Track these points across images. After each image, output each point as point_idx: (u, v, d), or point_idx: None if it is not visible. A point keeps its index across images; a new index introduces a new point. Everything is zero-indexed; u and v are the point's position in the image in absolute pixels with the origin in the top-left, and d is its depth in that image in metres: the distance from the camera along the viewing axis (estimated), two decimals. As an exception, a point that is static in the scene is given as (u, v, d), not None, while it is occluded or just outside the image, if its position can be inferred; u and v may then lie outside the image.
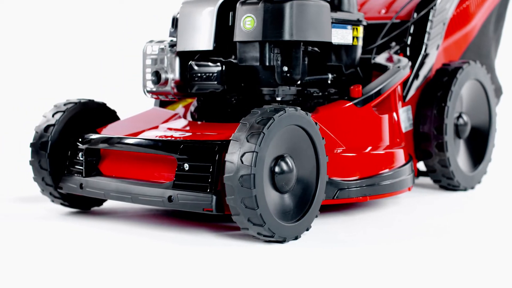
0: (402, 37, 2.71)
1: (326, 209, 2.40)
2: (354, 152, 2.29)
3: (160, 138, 2.17)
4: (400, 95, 2.59)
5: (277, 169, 1.99)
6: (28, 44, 4.25)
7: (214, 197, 1.99)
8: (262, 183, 1.93)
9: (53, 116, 2.32)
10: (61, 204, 2.38)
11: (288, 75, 2.24)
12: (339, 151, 2.25)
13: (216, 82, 2.26)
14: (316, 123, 2.08)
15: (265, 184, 1.94)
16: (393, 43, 2.71)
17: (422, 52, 2.64)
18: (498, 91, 3.11)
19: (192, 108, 2.47)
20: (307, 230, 2.08)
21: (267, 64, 2.21)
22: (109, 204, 2.51)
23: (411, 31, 2.67)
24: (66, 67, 4.10)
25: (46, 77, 4.15)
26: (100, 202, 2.43)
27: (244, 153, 1.91)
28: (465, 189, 2.78)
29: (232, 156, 1.92)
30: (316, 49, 2.34)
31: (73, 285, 1.66)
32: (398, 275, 1.75)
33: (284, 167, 2.01)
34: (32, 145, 2.32)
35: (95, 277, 1.72)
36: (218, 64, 2.26)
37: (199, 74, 2.30)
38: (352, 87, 2.36)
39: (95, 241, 2.06)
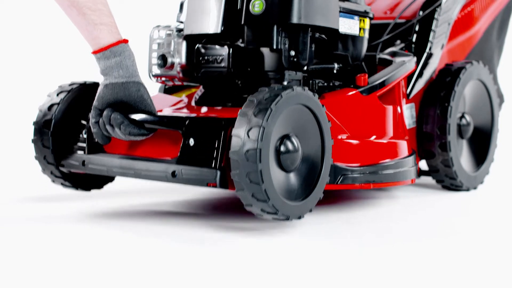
0: (407, 35, 2.72)
1: (327, 210, 2.39)
2: (358, 139, 2.28)
3: (166, 115, 2.16)
4: (404, 92, 2.60)
5: (282, 148, 1.99)
6: (31, 30, 4.26)
7: (219, 172, 1.98)
8: (267, 159, 1.92)
9: (57, 95, 2.32)
10: (62, 184, 2.36)
11: (295, 59, 2.25)
12: (343, 137, 2.25)
13: (223, 65, 2.27)
14: (323, 106, 2.08)
15: (270, 161, 1.94)
16: (398, 41, 2.73)
17: (427, 50, 2.65)
18: (500, 99, 3.12)
19: (196, 96, 2.47)
20: (311, 211, 2.06)
21: (275, 47, 2.22)
22: (110, 204, 2.48)
23: (416, 29, 2.69)
24: (70, 51, 4.10)
25: (50, 63, 4.14)
26: (102, 182, 2.41)
27: (251, 128, 1.90)
28: (467, 189, 2.78)
29: (239, 131, 1.91)
30: (323, 36, 2.35)
31: (72, 284, 1.63)
32: (399, 275, 1.73)
33: (290, 146, 2.00)
34: (35, 123, 2.31)
35: (93, 275, 1.69)
36: (226, 47, 2.27)
37: (206, 57, 2.30)
38: (358, 76, 2.37)
39: (94, 239, 2.03)
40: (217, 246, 1.96)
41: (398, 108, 2.52)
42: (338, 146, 2.20)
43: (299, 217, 2.03)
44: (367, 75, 2.37)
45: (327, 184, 2.14)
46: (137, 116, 2.12)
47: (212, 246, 1.96)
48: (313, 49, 2.30)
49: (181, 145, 2.05)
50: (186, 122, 2.06)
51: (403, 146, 2.44)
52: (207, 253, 1.90)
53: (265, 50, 2.28)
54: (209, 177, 1.99)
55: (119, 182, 2.76)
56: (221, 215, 2.31)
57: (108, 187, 2.53)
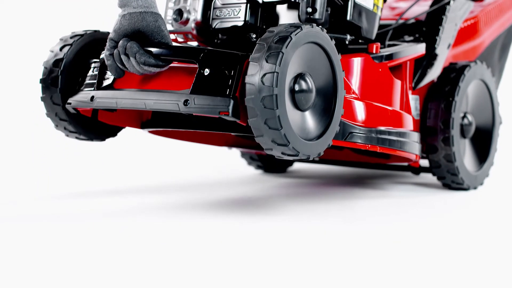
0: (415, 32, 2.77)
1: (326, 208, 2.37)
2: (367, 101, 2.29)
3: (181, 45, 2.16)
4: (410, 83, 2.62)
5: (297, 87, 1.99)
6: (30, 30, 4.28)
7: (232, 101, 1.96)
8: (284, 103, 1.92)
9: (60, 50, 2.31)
10: (76, 138, 2.34)
11: (311, 16, 2.27)
12: (352, 96, 2.25)
13: (240, 18, 2.29)
14: (331, 38, 2.08)
15: (287, 104, 1.94)
16: (406, 36, 2.77)
17: (436, 44, 2.68)
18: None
19: None
20: (329, 146, 2.07)
21: (293, 0, 2.25)
22: (109, 204, 2.44)
23: (425, 25, 2.73)
24: (80, 8, 4.11)
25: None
26: (115, 130, 2.38)
27: (265, 74, 1.91)
28: (468, 188, 2.77)
29: (253, 78, 1.91)
30: (340, 1, 2.38)
31: (72, 284, 1.61)
32: (401, 275, 1.70)
33: (304, 85, 2.01)
34: (42, 80, 2.29)
35: (92, 275, 1.66)
36: (243, 1, 2.29)
37: (222, 10, 2.33)
38: (370, 44, 2.40)
39: (95, 240, 1.98)
40: (218, 246, 1.93)
41: (405, 85, 2.53)
42: (347, 105, 2.20)
43: (319, 154, 2.02)
44: (379, 44, 2.40)
45: (335, 140, 2.13)
46: (153, 48, 2.11)
47: (212, 246, 1.93)
48: (329, 12, 2.33)
49: (195, 75, 2.04)
50: (202, 54, 2.06)
51: (409, 120, 2.45)
52: (207, 253, 1.86)
53: (281, 9, 2.31)
54: (221, 106, 1.97)
55: (120, 180, 2.76)
56: (222, 215, 2.28)
57: (110, 185, 2.49)
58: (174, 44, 2.19)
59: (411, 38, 2.76)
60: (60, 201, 2.48)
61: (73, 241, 1.96)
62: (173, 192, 2.66)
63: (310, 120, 2.04)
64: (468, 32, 2.97)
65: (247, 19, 2.29)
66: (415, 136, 2.45)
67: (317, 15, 2.27)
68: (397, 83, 2.47)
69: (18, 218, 2.21)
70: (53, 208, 2.37)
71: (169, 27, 2.40)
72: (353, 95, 2.27)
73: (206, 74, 2.03)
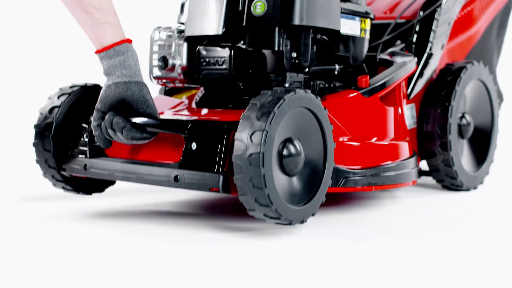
0: (407, 35, 2.72)
1: (328, 211, 2.39)
2: (360, 141, 2.28)
3: (167, 118, 2.15)
4: (405, 93, 2.59)
5: (285, 151, 1.98)
6: (30, 32, 4.24)
7: (221, 177, 1.97)
8: (270, 163, 1.91)
9: (58, 98, 2.31)
10: (63, 188, 2.35)
11: (296, 61, 2.24)
12: (345, 139, 2.25)
13: (224, 67, 2.26)
14: (325, 108, 2.07)
15: (273, 165, 1.93)
16: (398, 41, 2.72)
17: (427, 50, 2.65)
18: (500, 98, 3.12)
19: (197, 98, 2.46)
20: (313, 215, 2.06)
21: (276, 49, 2.21)
22: (112, 204, 2.47)
23: (417, 29, 2.68)
24: (70, 52, 4.09)
25: (49, 63, 4.12)
26: (103, 186, 2.40)
27: (254, 132, 1.89)
28: (468, 189, 2.78)
29: (242, 135, 1.90)
30: (325, 37, 2.34)
31: (73, 285, 1.63)
32: (402, 276, 1.73)
33: (293, 149, 1.99)
34: (36, 126, 2.30)
35: (92, 276, 1.69)
36: (227, 49, 2.26)
37: (207, 59, 2.29)
38: (359, 77, 2.36)
39: (95, 240, 2.02)
40: (217, 247, 1.95)
41: (399, 109, 2.52)
42: (340, 149, 2.20)
43: (302, 222, 2.02)
44: (368, 77, 2.37)
45: (329, 187, 2.14)
46: (139, 120, 2.11)
47: (212, 247, 1.95)
48: (314, 50, 2.29)
49: (183, 149, 2.04)
50: (189, 126, 2.05)
51: (404, 148, 2.43)
52: (206, 254, 1.89)
53: (266, 52, 2.27)
54: (211, 182, 1.98)
55: (119, 181, 2.74)
56: (222, 216, 2.30)
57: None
58: (160, 117, 2.17)
59: (403, 45, 2.70)
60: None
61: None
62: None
63: (296, 186, 2.02)
64: (463, 23, 2.90)
65: (232, 69, 2.26)
66: (412, 163, 2.44)
67: (302, 60, 2.24)
68: (390, 112, 2.45)
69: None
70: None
71: (156, 73, 2.38)
72: (345, 137, 2.26)
73: (194, 148, 2.03)
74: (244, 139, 1.89)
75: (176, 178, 2.02)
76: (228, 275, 1.73)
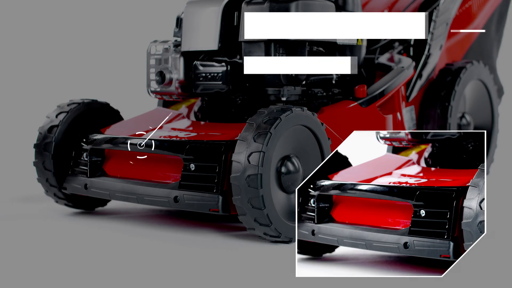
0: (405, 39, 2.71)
1: None
2: None
3: (166, 139, 2.16)
4: (404, 95, 2.59)
5: (283, 169, 1.99)
6: (30, 44, 4.23)
7: (220, 198, 1.98)
8: (269, 183, 1.92)
9: (56, 116, 2.31)
10: (65, 204, 2.37)
11: (293, 75, 2.24)
12: None
13: (221, 82, 2.25)
14: (322, 124, 2.08)
15: (271, 184, 1.94)
16: (396, 43, 2.71)
17: (425, 52, 2.64)
18: (500, 91, 3.11)
19: (195, 108, 2.47)
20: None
21: None
22: (113, 204, 2.50)
23: None
24: (69, 67, 4.09)
25: (48, 77, 4.13)
26: (104, 202, 2.42)
27: (251, 153, 1.90)
28: (468, 189, 2.78)
29: (239, 156, 1.92)
30: (321, 49, 2.33)
31: (75, 286, 1.65)
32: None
33: (291, 167, 2.00)
34: (36, 146, 2.31)
35: (98, 278, 1.71)
36: (223, 64, 2.25)
37: (204, 74, 2.29)
38: (357, 87, 2.36)
39: (99, 242, 2.05)
40: (218, 248, 1.97)
41: (398, 115, 2.51)
42: None
43: None
44: (365, 86, 2.36)
45: None
46: (136, 141, 2.11)
47: (212, 248, 1.97)
48: None
49: (182, 170, 2.05)
50: (187, 147, 2.06)
51: None
52: (206, 256, 1.91)
53: None
54: (211, 203, 1.99)
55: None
56: (226, 220, 2.31)
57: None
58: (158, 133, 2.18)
59: (401, 47, 2.69)
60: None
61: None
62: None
63: (294, 203, 2.02)
64: (461, 21, 2.88)
65: (229, 85, 2.26)
66: None
67: (299, 75, 2.23)
68: (388, 119, 2.45)
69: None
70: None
71: (153, 87, 2.38)
72: None
73: (192, 169, 2.04)
74: (242, 160, 1.91)
75: (176, 199, 2.04)
76: (228, 276, 1.74)
